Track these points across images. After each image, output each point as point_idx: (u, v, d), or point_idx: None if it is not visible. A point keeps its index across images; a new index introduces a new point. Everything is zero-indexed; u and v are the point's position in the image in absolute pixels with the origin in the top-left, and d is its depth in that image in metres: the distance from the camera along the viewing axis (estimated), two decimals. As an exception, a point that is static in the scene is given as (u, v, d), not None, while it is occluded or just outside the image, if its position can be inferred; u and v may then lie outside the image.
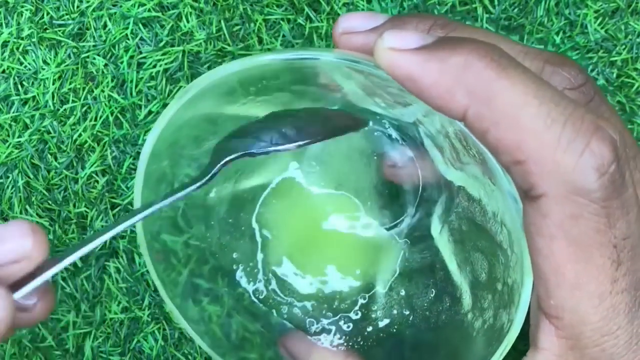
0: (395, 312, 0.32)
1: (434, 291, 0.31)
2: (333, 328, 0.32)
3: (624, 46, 0.37)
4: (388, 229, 0.33)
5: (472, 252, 0.29)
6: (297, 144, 0.25)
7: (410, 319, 0.31)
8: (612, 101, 0.36)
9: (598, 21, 0.37)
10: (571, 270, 0.20)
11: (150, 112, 0.37)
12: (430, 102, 0.20)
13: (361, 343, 0.32)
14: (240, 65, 0.24)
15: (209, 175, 0.25)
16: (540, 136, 0.19)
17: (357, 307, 0.33)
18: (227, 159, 0.25)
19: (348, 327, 0.32)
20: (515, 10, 0.37)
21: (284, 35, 0.37)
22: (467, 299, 0.29)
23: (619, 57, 0.37)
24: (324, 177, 0.34)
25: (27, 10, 0.38)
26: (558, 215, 0.19)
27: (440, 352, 0.30)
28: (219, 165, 0.25)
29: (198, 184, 0.25)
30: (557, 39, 0.37)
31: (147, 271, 0.36)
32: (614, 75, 0.36)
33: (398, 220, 0.33)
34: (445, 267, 0.31)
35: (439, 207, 0.32)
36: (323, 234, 0.34)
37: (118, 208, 0.36)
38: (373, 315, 0.32)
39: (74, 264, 0.36)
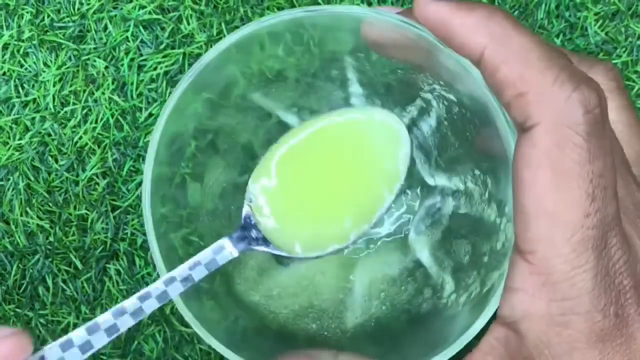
0: (373, 309, 0.32)
1: (412, 287, 0.32)
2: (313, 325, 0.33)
3: (624, 49, 0.37)
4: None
5: (453, 242, 0.31)
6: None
7: (389, 313, 0.32)
8: (613, 104, 0.36)
9: (598, 24, 0.37)
10: (550, 199, 0.22)
11: (150, 115, 0.37)
12: (455, 42, 0.24)
13: (338, 334, 0.32)
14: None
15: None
16: (542, 72, 0.22)
17: (337, 307, 0.33)
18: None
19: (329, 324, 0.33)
20: (516, 12, 0.37)
21: (284, 38, 0.37)
22: (449, 284, 0.29)
23: (619, 59, 0.37)
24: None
25: (27, 12, 0.38)
26: (546, 144, 0.22)
27: (421, 335, 0.30)
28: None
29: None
30: (558, 42, 0.37)
31: (148, 274, 0.36)
32: (614, 77, 0.36)
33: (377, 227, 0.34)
34: (421, 265, 0.32)
35: (421, 211, 0.33)
36: None
37: (118, 210, 0.37)
38: (349, 314, 0.33)
39: (74, 266, 0.36)
